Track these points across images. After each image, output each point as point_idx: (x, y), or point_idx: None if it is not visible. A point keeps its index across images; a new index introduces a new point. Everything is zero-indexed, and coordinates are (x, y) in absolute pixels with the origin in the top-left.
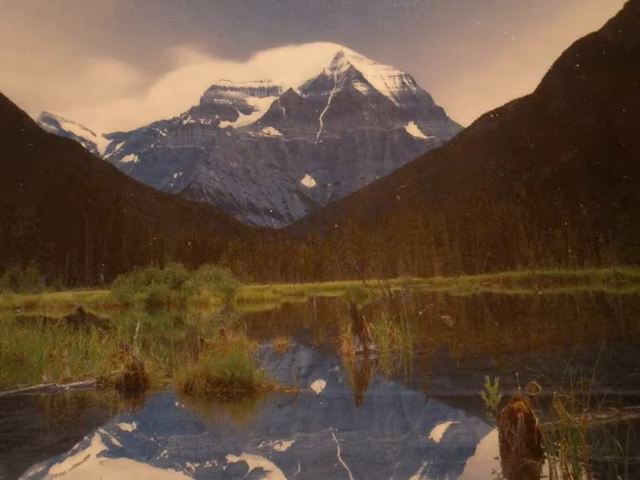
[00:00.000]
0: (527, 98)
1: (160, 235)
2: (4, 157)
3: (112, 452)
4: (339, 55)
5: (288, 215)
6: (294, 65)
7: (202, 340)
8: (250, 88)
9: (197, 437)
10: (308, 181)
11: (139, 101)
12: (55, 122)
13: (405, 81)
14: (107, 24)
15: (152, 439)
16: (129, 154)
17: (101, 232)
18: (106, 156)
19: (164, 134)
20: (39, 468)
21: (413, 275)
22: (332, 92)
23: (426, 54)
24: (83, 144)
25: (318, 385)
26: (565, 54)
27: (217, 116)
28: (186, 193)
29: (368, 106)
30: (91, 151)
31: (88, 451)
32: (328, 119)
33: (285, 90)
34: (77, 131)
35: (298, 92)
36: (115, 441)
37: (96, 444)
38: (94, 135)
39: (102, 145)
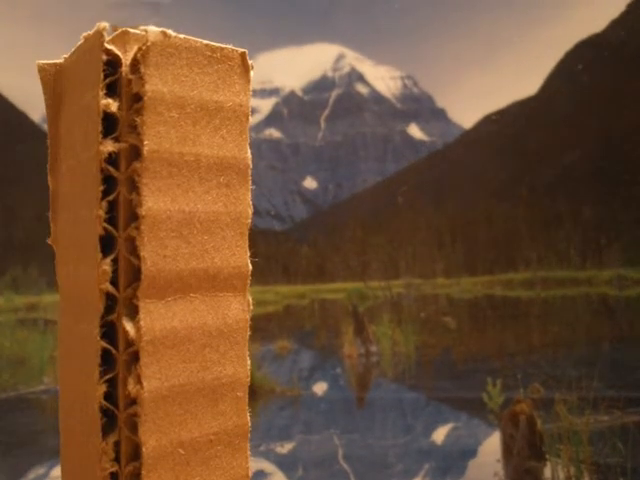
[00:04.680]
0: (529, 99)
1: None
2: (4, 158)
3: None
4: (340, 56)
5: (290, 217)
6: (296, 66)
7: None
8: (252, 89)
9: None
10: (310, 183)
11: None
12: None
13: (407, 82)
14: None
15: None
16: None
17: None
18: None
19: None
20: (40, 470)
21: (415, 277)
22: (333, 94)
23: (428, 55)
24: None
25: (320, 387)
26: (568, 55)
27: None
28: None
29: (370, 108)
30: None
31: None
32: (329, 121)
33: (287, 91)
34: None
35: (299, 94)
36: None
37: None
38: None
39: None
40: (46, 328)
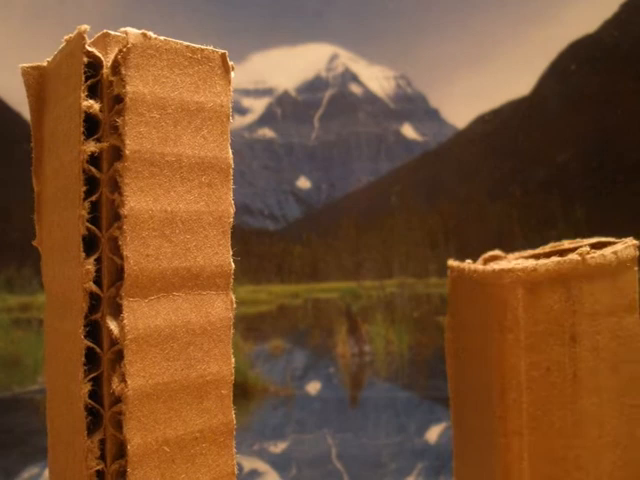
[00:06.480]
0: (523, 99)
1: None
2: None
3: None
4: (334, 56)
5: (283, 216)
6: (289, 66)
7: None
8: (245, 89)
9: None
10: (303, 182)
11: None
12: None
13: (400, 82)
14: (103, 24)
15: None
16: None
17: None
18: None
19: None
20: (34, 470)
21: (408, 276)
22: (327, 94)
23: (422, 55)
24: None
25: (313, 387)
26: (561, 55)
27: None
28: None
29: (363, 107)
30: None
31: None
32: (323, 120)
33: (280, 91)
34: None
35: (293, 93)
36: None
37: None
38: None
39: None
40: (40, 328)
